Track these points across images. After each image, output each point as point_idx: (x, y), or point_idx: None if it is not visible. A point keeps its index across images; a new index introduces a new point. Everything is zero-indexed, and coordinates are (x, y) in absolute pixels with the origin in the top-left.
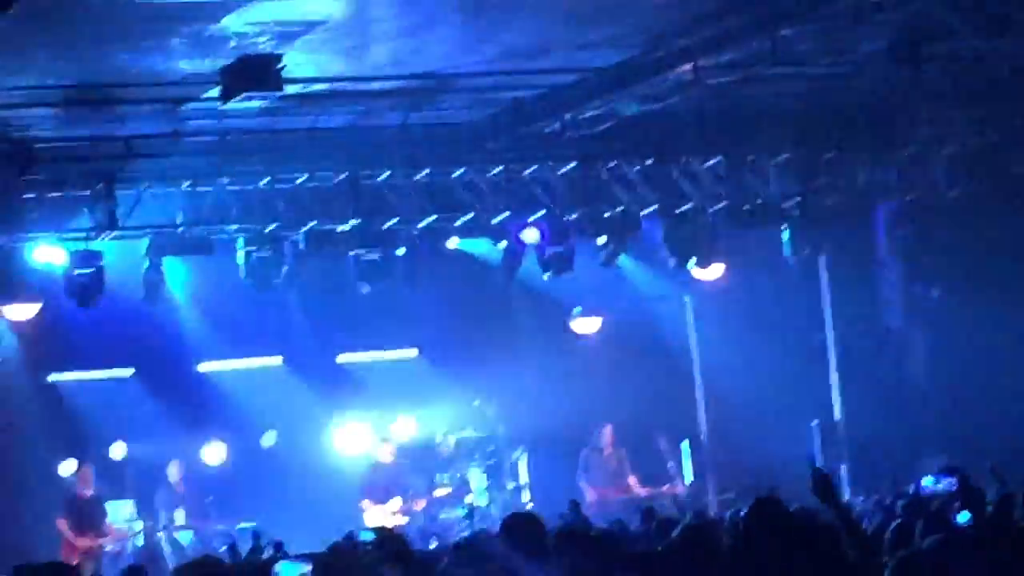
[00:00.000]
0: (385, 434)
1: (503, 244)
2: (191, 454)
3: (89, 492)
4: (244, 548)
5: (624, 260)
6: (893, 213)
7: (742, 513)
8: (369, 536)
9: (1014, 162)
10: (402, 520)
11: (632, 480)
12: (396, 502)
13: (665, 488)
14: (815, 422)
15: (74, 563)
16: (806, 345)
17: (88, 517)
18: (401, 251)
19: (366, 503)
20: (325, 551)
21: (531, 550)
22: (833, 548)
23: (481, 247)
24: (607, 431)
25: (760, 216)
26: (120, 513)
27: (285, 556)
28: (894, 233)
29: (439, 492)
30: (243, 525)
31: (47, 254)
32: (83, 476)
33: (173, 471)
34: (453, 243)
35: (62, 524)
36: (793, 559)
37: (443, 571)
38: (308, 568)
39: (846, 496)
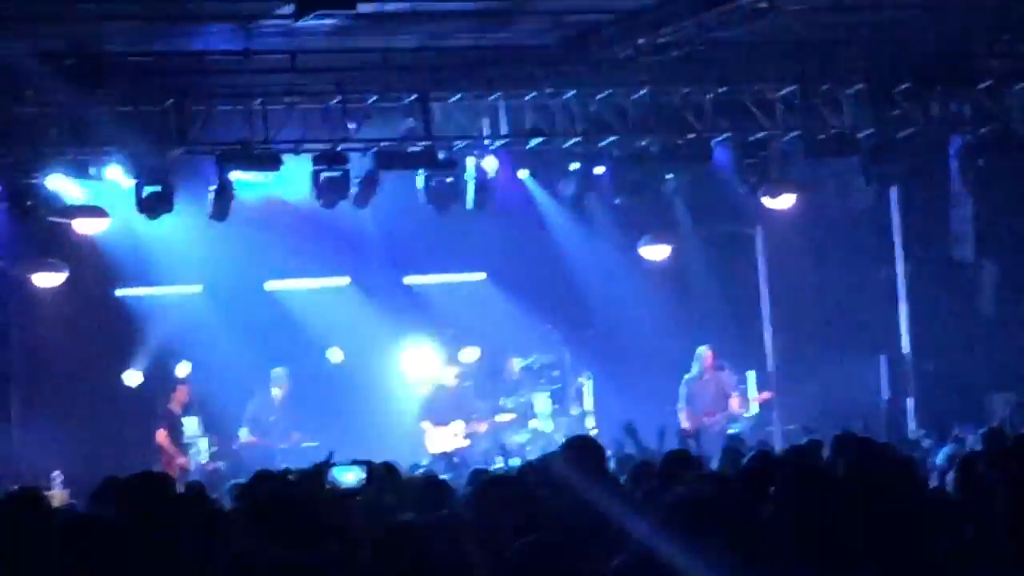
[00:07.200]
0: (450, 357)
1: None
2: (257, 373)
3: (179, 409)
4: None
5: (693, 188)
6: (966, 147)
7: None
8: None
9: None
10: (464, 443)
11: (734, 400)
12: (459, 425)
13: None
14: (882, 356)
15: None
16: (875, 278)
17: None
18: (469, 174)
19: (426, 424)
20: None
21: (590, 473)
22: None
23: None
24: (707, 354)
25: (832, 147)
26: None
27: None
28: (967, 167)
29: (503, 417)
30: (306, 444)
31: (117, 168)
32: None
33: (277, 388)
34: (523, 174)
35: (162, 436)
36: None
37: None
38: (363, 474)
39: (911, 429)
